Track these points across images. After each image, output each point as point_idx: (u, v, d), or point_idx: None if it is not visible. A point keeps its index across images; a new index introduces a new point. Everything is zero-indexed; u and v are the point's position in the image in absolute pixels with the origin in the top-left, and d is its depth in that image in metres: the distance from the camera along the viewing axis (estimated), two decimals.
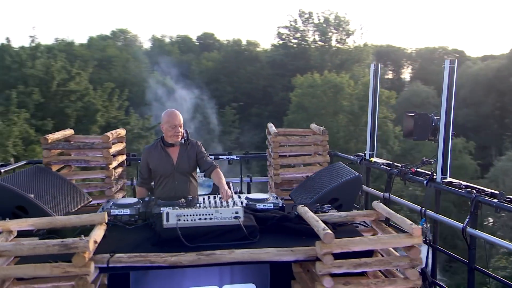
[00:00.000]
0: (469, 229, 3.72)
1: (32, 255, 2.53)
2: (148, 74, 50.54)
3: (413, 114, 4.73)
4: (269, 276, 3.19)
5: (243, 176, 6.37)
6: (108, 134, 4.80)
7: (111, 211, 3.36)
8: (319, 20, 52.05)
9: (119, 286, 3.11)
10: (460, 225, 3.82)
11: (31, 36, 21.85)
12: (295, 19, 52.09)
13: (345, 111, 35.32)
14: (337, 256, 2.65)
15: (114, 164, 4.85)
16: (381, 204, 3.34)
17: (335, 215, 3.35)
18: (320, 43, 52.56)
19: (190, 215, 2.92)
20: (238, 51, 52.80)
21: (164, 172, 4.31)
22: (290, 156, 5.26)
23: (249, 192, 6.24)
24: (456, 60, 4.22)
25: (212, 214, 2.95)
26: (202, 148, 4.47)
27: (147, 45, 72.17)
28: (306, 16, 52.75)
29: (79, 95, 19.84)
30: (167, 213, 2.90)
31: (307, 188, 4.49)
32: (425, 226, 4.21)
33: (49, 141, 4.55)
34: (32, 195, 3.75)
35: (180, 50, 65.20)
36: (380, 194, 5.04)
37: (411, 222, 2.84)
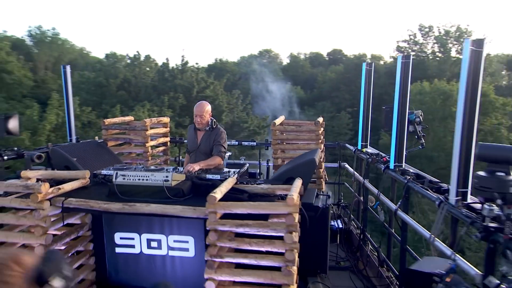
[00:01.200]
0: (399, 212, 3.27)
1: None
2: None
3: (384, 107, 4.32)
4: (203, 231, 3.27)
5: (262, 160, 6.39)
6: (147, 120, 5.33)
7: (105, 172, 3.81)
8: (439, 33, 47.33)
9: (96, 225, 3.53)
10: (394, 207, 3.39)
11: (182, 56, 24.68)
12: (415, 33, 48.29)
13: (454, 116, 31.50)
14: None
15: (152, 143, 5.36)
16: (299, 180, 3.20)
17: (258, 187, 3.30)
18: (439, 54, 47.78)
19: (132, 176, 3.20)
20: (358, 64, 51.07)
21: (191, 148, 4.64)
22: (286, 143, 5.17)
23: (267, 174, 6.27)
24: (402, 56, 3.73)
25: (148, 177, 3.18)
26: (221, 136, 4.50)
27: (286, 61, 74.53)
28: (426, 30, 48.44)
29: (211, 99, 21.49)
30: (116, 173, 3.23)
31: (280, 169, 4.39)
32: (379, 208, 3.83)
33: (106, 123, 5.26)
34: (75, 159, 4.38)
35: (311, 65, 65.93)
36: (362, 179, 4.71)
37: (293, 194, 2.68)
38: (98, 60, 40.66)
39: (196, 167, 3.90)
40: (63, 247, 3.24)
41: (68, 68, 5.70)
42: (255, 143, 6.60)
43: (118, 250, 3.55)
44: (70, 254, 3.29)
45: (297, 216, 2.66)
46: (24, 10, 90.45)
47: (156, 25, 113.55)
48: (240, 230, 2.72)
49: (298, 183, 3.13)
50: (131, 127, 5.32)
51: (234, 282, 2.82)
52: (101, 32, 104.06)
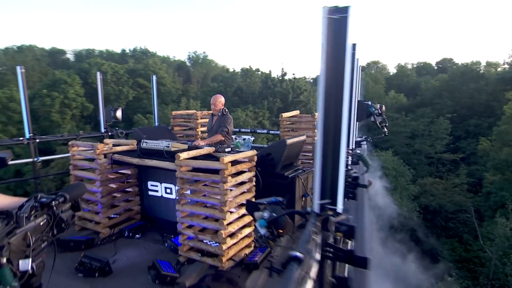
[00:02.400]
0: None
1: None
2: (383, 92, 49.52)
3: (359, 101, 4.48)
4: None
5: None
6: (198, 112, 6.41)
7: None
8: None
9: (139, 175, 4.69)
10: None
11: (282, 68, 25.95)
12: None
13: None
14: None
15: (202, 128, 6.41)
16: (249, 152, 3.79)
17: (223, 154, 3.94)
18: None
19: (149, 143, 4.26)
20: (464, 71, 44.71)
21: (208, 130, 5.57)
22: (292, 131, 5.61)
23: None
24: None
25: (158, 144, 4.19)
26: (227, 121, 5.14)
27: (393, 71, 69.73)
28: None
29: (303, 103, 21.99)
30: (142, 141, 4.33)
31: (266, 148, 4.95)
32: None
33: (173, 114, 6.52)
34: (145, 136, 5.68)
35: (417, 74, 60.32)
36: None
37: (225, 157, 3.35)
38: (234, 73, 44.73)
39: (201, 142, 4.77)
40: (114, 186, 4.49)
41: (154, 77, 7.18)
42: (265, 131, 7.13)
43: (150, 193, 4.68)
44: (120, 191, 4.53)
45: (227, 171, 3.32)
46: (186, 40, 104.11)
47: (267, 40, 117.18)
48: (196, 178, 3.51)
49: (244, 154, 3.72)
50: (189, 115, 6.49)
51: (193, 214, 3.63)
52: (237, 51, 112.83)
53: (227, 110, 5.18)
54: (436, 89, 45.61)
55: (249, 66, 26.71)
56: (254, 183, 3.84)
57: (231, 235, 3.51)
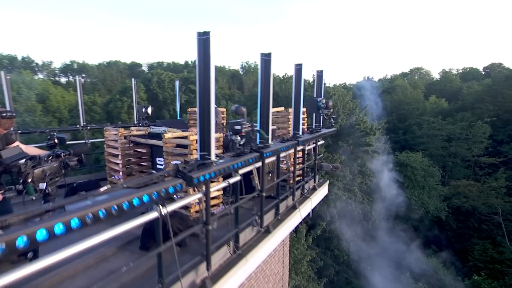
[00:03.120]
0: None
1: None
2: (421, 97, 46.85)
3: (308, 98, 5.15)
4: None
5: None
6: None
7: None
8: None
9: (151, 153, 5.87)
10: None
11: (312, 75, 26.23)
12: None
13: None
14: None
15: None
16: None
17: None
18: None
19: (154, 128, 5.37)
20: (508, 75, 40.67)
21: None
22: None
23: None
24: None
25: (159, 130, 5.28)
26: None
27: (437, 77, 65.51)
28: None
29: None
30: (149, 125, 5.46)
31: None
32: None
33: (189, 111, 7.65)
34: (163, 126, 6.89)
35: (462, 79, 56.09)
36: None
37: (170, 132, 4.31)
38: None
39: None
40: (133, 160, 5.69)
41: (177, 82, 8.40)
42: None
43: (158, 166, 5.81)
44: (136, 164, 5.72)
45: (193, 146, 4.27)
46: (239, 50, 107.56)
47: (307, 49, 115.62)
48: (176, 152, 4.53)
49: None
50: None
51: None
52: (283, 60, 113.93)
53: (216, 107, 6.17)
54: (478, 93, 42.13)
55: (285, 74, 27.45)
56: None
57: None
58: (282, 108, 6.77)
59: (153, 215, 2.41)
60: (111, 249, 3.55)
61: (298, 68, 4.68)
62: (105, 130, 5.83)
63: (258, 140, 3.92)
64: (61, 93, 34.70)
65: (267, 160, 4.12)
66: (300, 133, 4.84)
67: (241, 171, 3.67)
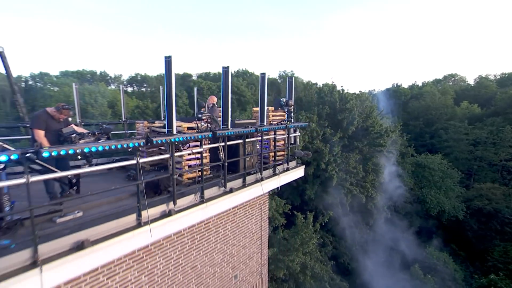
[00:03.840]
0: None
1: None
2: (451, 103, 44.09)
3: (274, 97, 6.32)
4: None
5: None
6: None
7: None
8: None
9: None
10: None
11: (332, 82, 26.53)
12: None
13: None
14: None
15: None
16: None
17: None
18: None
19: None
20: None
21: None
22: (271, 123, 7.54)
23: None
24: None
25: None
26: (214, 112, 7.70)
27: (472, 82, 60.98)
28: None
29: (348, 111, 22.49)
30: (154, 121, 7.06)
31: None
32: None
33: (202, 109, 9.16)
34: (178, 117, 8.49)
35: (499, 85, 51.74)
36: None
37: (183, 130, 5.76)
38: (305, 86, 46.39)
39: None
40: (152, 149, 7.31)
41: (196, 89, 9.97)
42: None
43: None
44: (156, 148, 7.34)
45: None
46: (279, 61, 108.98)
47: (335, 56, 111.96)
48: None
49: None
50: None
51: None
52: (317, 69, 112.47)
53: (215, 105, 7.56)
54: (511, 98, 38.53)
55: (309, 81, 28.19)
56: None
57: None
58: (271, 108, 7.99)
59: (133, 161, 3.88)
60: (126, 195, 5.13)
61: (263, 76, 5.91)
62: (136, 123, 7.55)
63: (222, 126, 5.25)
64: (126, 100, 39.12)
65: (232, 142, 5.43)
66: (264, 124, 6.05)
67: (207, 146, 5.05)
